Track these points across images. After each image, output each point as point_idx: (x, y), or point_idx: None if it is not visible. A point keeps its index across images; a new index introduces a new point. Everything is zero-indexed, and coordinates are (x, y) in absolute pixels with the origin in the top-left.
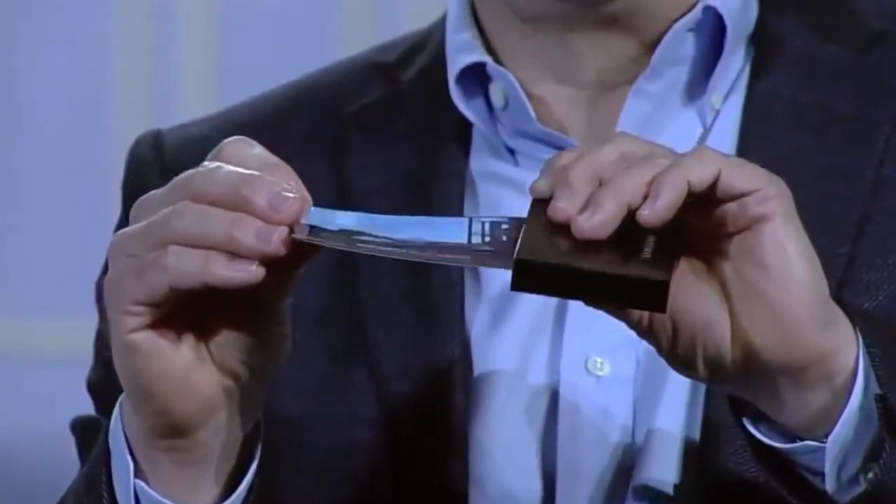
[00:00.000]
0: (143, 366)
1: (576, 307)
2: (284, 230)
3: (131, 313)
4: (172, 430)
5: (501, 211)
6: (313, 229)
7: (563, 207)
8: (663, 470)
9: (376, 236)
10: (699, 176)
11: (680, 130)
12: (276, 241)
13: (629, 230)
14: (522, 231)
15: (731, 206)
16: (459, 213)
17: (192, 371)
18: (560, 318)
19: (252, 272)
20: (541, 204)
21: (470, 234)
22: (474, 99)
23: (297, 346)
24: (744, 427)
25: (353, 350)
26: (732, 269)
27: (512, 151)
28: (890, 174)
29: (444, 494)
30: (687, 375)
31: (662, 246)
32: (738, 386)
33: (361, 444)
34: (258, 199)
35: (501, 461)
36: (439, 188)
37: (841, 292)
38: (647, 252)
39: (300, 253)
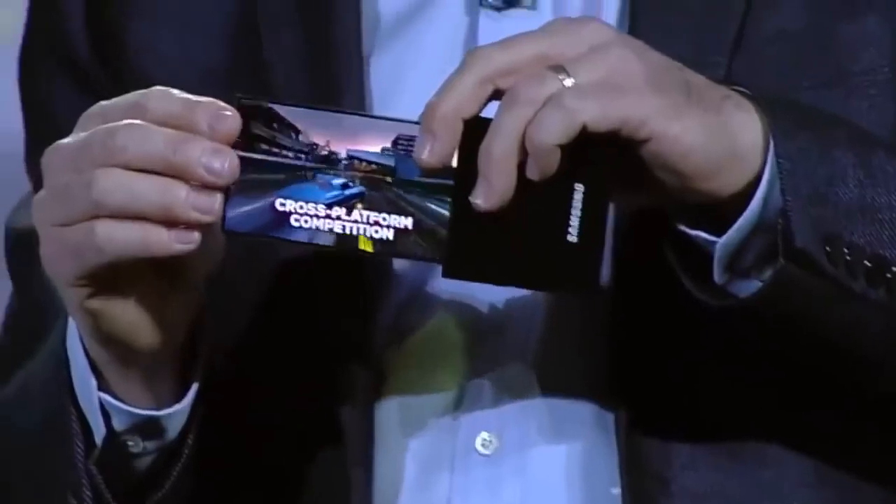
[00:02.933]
0: (105, 325)
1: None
2: (220, 201)
3: (78, 286)
4: (137, 358)
5: None
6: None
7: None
8: None
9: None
10: (564, 133)
11: None
12: (214, 209)
13: (551, 182)
14: (449, 225)
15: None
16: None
17: (154, 308)
18: (470, 47)
19: (194, 240)
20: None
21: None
22: None
23: None
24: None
25: None
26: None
27: None
28: None
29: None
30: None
31: (590, 195)
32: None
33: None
34: (193, 164)
35: None
36: None
37: (749, 11)
38: (574, 228)
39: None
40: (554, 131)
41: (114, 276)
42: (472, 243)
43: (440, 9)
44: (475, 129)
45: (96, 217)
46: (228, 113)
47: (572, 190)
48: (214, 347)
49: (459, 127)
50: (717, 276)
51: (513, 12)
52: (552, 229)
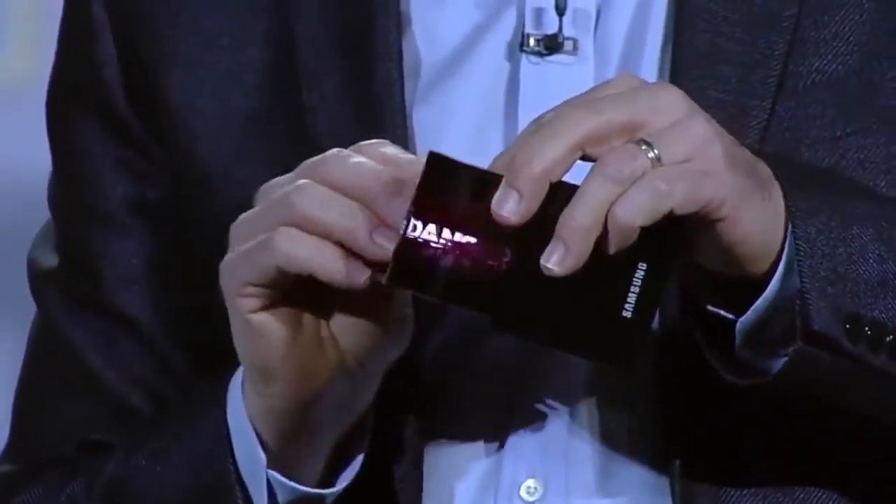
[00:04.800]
0: (264, 347)
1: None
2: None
3: (246, 295)
4: (291, 412)
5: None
6: None
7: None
8: None
9: None
10: (651, 215)
11: None
12: (389, 249)
13: (617, 255)
14: (505, 277)
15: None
16: (396, 49)
17: (315, 352)
18: (512, 93)
19: (362, 278)
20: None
21: None
22: None
23: (242, 154)
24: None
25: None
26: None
27: None
28: None
29: None
30: None
31: (653, 272)
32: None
33: None
34: (379, 198)
35: None
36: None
37: (790, 55)
38: (630, 305)
39: None
40: (641, 212)
41: (287, 297)
42: (526, 300)
43: (481, 56)
44: (552, 191)
45: (285, 223)
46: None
47: (635, 267)
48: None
49: (545, 188)
50: (739, 351)
51: (554, 58)
52: (609, 302)
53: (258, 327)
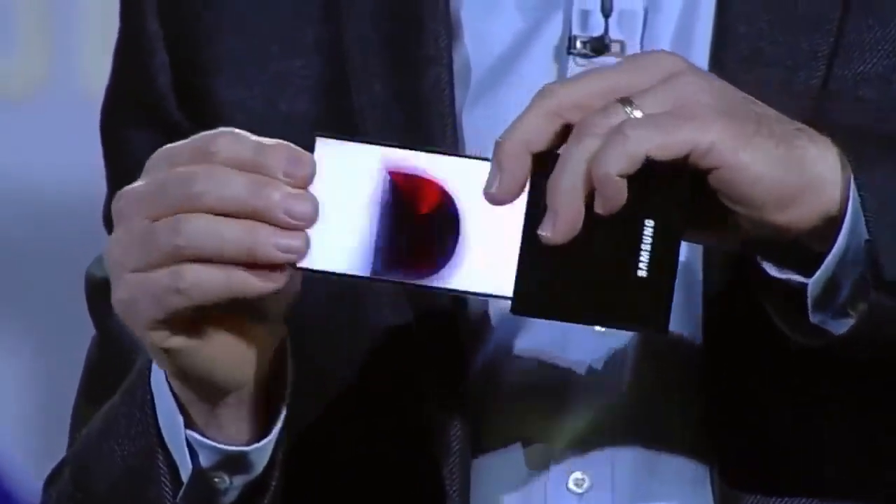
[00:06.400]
0: (186, 362)
1: None
2: (305, 238)
3: (156, 329)
4: (221, 393)
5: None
6: None
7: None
8: None
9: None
10: (628, 164)
11: None
12: (299, 248)
13: (621, 216)
14: (518, 259)
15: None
16: (446, 54)
17: (234, 342)
18: None
19: (280, 279)
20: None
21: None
22: None
23: None
24: (756, 266)
25: None
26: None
27: None
28: None
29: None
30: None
31: (663, 227)
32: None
33: None
34: (274, 208)
35: None
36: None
37: (835, 57)
38: (643, 263)
39: None
40: (617, 162)
41: (192, 316)
42: (541, 279)
43: (529, 59)
44: (547, 165)
45: (180, 261)
46: (303, 157)
47: (642, 224)
48: (305, 387)
49: (527, 160)
50: (812, 316)
51: (601, 60)
52: (621, 264)
53: (174, 351)
